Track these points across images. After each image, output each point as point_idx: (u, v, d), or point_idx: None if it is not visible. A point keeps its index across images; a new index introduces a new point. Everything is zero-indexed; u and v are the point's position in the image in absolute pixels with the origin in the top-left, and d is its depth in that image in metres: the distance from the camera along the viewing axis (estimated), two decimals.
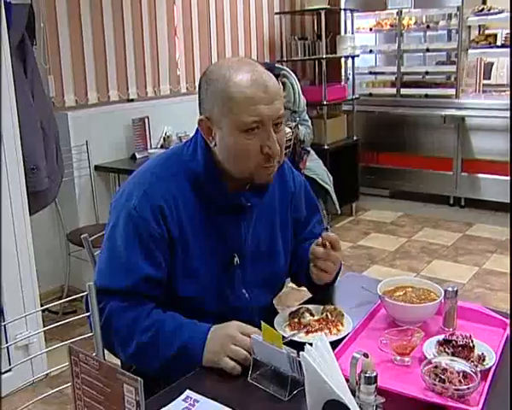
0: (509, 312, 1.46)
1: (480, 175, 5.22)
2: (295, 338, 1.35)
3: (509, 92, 4.85)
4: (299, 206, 1.65)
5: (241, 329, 1.29)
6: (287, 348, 1.15)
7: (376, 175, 5.76)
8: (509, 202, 4.42)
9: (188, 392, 1.17)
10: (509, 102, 4.69)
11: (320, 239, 1.47)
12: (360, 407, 1.05)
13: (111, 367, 0.84)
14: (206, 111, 1.36)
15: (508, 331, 1.35)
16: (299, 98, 4.34)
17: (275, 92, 1.32)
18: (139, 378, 0.81)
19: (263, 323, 1.20)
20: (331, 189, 4.50)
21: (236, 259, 1.46)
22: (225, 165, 1.38)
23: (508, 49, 4.92)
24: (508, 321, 1.39)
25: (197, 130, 1.43)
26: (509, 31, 4.97)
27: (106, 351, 1.50)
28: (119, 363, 1.62)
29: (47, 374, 2.12)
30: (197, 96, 1.40)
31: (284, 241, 1.59)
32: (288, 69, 4.49)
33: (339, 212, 4.67)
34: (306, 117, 4.45)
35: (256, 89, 1.29)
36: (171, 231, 1.37)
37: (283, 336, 1.23)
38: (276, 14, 5.52)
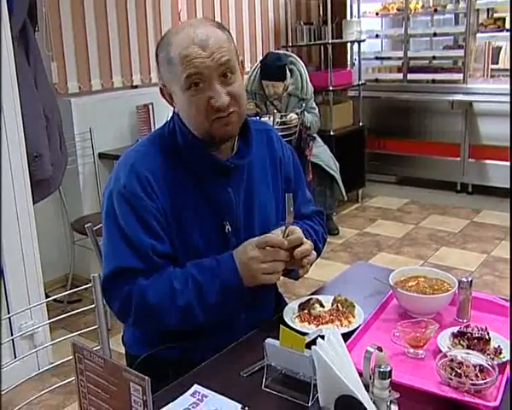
0: None
1: (488, 161, 5.15)
2: (304, 330, 1.32)
3: None
4: (288, 176, 1.61)
5: (258, 245, 1.33)
6: (308, 350, 1.10)
7: (383, 161, 5.69)
8: None
9: (196, 387, 1.15)
10: None
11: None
12: (374, 402, 1.02)
13: (116, 365, 0.81)
14: (161, 79, 1.40)
15: None
16: (306, 86, 4.30)
17: (215, 45, 1.31)
18: (146, 377, 0.77)
19: (282, 326, 1.16)
20: (337, 175, 4.47)
21: (228, 227, 1.44)
22: (189, 127, 1.39)
23: None
24: None
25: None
26: None
27: (111, 344, 1.48)
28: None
29: (52, 363, 2.11)
30: None
31: (277, 209, 1.56)
32: (295, 56, 4.43)
33: (345, 198, 4.64)
34: (314, 105, 4.41)
35: (192, 46, 1.30)
36: (160, 199, 1.37)
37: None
38: None
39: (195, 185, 1.41)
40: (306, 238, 1.39)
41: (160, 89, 1.41)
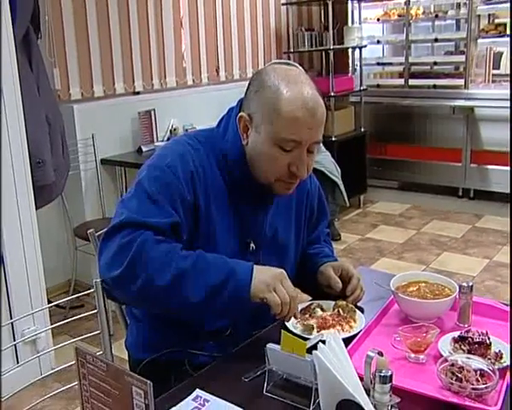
0: None
1: (490, 166, 5.16)
2: (305, 335, 1.33)
3: None
4: (313, 206, 1.67)
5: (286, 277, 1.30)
6: (309, 355, 1.10)
7: (384, 167, 5.71)
8: None
9: (197, 391, 1.15)
10: None
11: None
12: (375, 406, 1.02)
13: (119, 369, 0.82)
14: (248, 109, 1.37)
15: None
16: None
17: (320, 120, 1.36)
18: (148, 381, 0.78)
19: (283, 331, 1.16)
20: (339, 181, 4.47)
21: (252, 245, 1.46)
22: (251, 162, 1.40)
23: None
24: None
25: (228, 111, 1.46)
26: None
27: (114, 350, 1.48)
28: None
29: (54, 368, 2.12)
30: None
31: (297, 237, 1.60)
32: (300, 68, 4.43)
33: (347, 204, 4.64)
34: None
35: (305, 113, 1.31)
36: (198, 198, 1.36)
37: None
38: (283, 4, 5.46)
39: (230, 196, 1.42)
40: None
41: (241, 116, 1.38)
